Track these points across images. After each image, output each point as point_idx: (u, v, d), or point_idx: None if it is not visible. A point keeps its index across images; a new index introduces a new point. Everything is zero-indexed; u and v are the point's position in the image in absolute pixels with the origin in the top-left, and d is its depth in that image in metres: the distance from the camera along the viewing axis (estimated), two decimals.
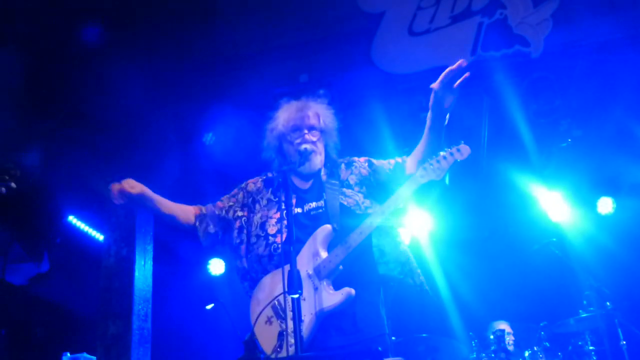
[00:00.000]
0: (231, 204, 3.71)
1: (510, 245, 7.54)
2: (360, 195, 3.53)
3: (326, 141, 3.67)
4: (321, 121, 3.63)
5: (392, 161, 3.57)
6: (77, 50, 5.56)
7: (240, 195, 3.72)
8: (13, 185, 3.73)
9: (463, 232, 7.51)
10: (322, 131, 3.63)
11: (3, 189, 3.70)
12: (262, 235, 3.53)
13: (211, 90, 5.95)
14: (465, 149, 3.27)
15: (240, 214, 3.66)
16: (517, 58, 5.40)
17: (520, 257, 7.29)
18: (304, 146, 3.50)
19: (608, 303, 6.01)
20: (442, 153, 3.26)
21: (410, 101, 5.97)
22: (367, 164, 3.65)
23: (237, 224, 3.65)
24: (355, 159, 3.70)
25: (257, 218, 3.60)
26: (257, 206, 3.65)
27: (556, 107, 6.08)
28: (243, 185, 3.78)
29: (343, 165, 3.66)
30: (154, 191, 5.69)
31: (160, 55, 5.82)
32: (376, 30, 5.60)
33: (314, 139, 3.57)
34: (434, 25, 5.49)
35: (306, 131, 3.56)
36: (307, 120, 3.59)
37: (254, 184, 3.75)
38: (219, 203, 3.74)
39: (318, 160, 3.59)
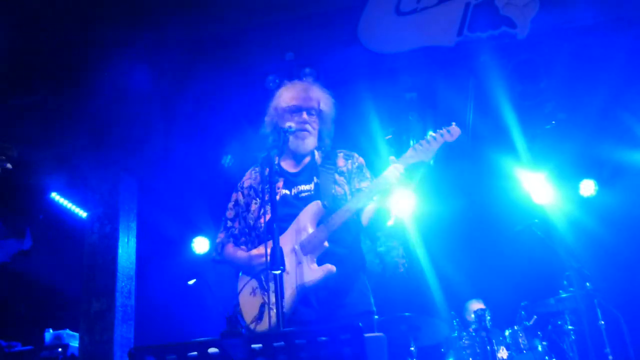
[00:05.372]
0: (238, 212, 3.72)
1: (493, 226, 7.58)
2: (347, 186, 3.58)
3: (321, 126, 3.72)
4: (321, 105, 3.68)
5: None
6: (64, 25, 5.50)
7: (241, 197, 3.73)
8: (9, 166, 3.65)
9: (447, 212, 7.51)
10: (320, 116, 3.68)
11: None
12: (252, 218, 3.59)
13: (196, 68, 5.90)
14: (455, 131, 3.29)
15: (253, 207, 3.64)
16: (504, 39, 5.39)
17: (503, 238, 7.34)
18: (301, 125, 3.56)
19: (588, 283, 6.07)
20: (432, 134, 3.28)
21: (397, 81, 5.99)
22: (357, 165, 3.68)
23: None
24: (355, 155, 3.75)
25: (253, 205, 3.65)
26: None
27: (541, 89, 6.09)
28: (239, 186, 3.78)
29: (341, 154, 3.71)
30: (138, 166, 5.71)
31: (143, 32, 5.75)
32: (363, 8, 5.57)
33: (312, 121, 3.63)
34: (421, 5, 5.46)
35: (305, 112, 3.62)
36: (308, 102, 3.65)
37: (249, 179, 3.76)
38: (232, 225, 3.72)
39: (311, 141, 3.65)
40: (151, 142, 6.09)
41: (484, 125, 6.57)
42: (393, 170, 3.27)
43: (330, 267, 3.25)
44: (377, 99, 6.09)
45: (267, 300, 3.24)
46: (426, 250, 7.61)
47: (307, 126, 3.59)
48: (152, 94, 5.93)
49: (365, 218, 3.51)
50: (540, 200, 7.43)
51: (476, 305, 6.64)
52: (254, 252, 3.46)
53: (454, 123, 3.30)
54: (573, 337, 6.05)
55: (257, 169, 3.74)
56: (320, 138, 3.73)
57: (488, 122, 6.51)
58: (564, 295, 6.15)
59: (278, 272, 2.84)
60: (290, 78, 5.33)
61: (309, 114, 3.62)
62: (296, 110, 3.62)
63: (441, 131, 3.29)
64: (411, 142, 6.54)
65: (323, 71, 5.67)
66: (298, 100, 3.65)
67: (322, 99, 3.70)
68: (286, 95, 3.70)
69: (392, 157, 3.32)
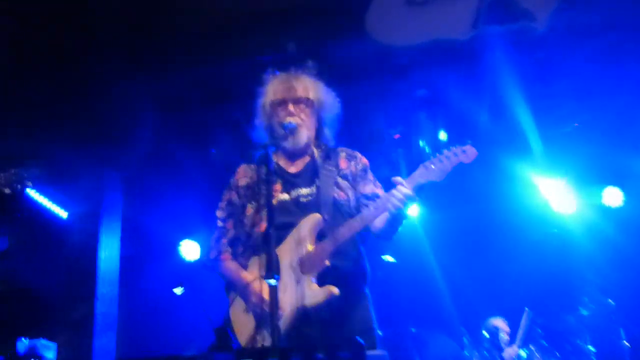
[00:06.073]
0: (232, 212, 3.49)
1: (508, 236, 7.34)
2: (351, 191, 3.41)
3: (316, 118, 3.49)
4: (311, 94, 3.44)
5: (376, 190, 3.40)
6: (53, 22, 5.18)
7: (235, 196, 3.48)
8: (29, 184, 3.43)
9: (458, 220, 7.33)
10: (311, 105, 3.43)
11: (19, 187, 3.42)
12: (248, 224, 3.38)
13: (194, 59, 5.65)
14: (471, 151, 3.02)
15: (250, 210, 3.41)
16: (522, 34, 5.23)
17: (518, 249, 7.10)
18: (288, 119, 3.31)
19: (610, 300, 5.88)
20: (445, 152, 3.04)
21: (406, 76, 5.80)
22: (361, 167, 3.48)
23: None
24: (358, 155, 3.56)
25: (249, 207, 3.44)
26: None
27: (562, 88, 5.92)
28: (232, 184, 3.53)
29: (344, 154, 3.51)
30: (124, 163, 5.55)
31: (138, 21, 5.41)
32: None
33: (300, 112, 3.38)
34: None
35: (291, 104, 3.38)
36: (293, 92, 3.43)
37: (244, 177, 3.52)
38: (223, 225, 3.48)
39: (304, 135, 3.41)
40: (139, 137, 5.88)
41: (499, 127, 6.37)
42: (401, 190, 3.00)
43: (332, 290, 3.02)
44: (385, 95, 5.98)
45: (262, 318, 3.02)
46: (438, 261, 7.43)
47: (295, 118, 3.33)
48: (140, 87, 5.67)
49: (376, 226, 3.24)
50: (560, 209, 7.17)
51: (496, 322, 6.37)
52: (250, 279, 3.19)
53: (469, 142, 3.04)
54: (593, 359, 5.79)
55: (252, 166, 3.47)
56: (318, 133, 3.50)
57: (503, 123, 6.31)
58: (584, 313, 5.98)
59: (273, 281, 2.57)
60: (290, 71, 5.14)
61: (295, 104, 3.38)
62: (281, 103, 3.41)
63: (455, 150, 3.02)
64: (420, 143, 6.52)
65: (327, 64, 5.39)
66: (282, 92, 3.44)
67: (311, 87, 3.47)
68: (270, 90, 3.51)
69: (398, 178, 3.04)
